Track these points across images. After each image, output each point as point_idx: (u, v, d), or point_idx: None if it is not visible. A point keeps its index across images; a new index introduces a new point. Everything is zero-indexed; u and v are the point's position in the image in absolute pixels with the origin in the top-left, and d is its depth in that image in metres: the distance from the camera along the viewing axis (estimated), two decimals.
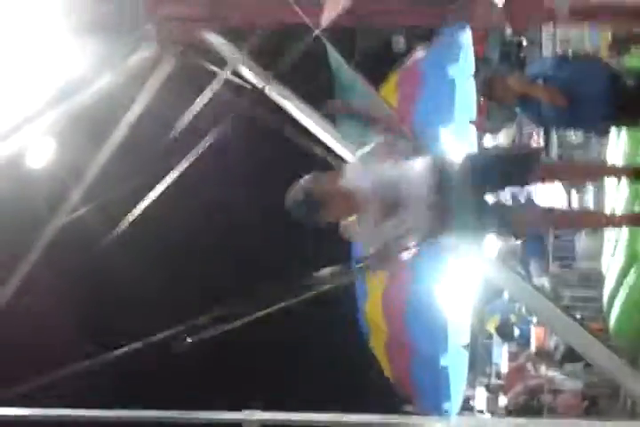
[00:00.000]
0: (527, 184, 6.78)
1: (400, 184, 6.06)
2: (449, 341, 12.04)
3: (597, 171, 7.53)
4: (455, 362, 12.40)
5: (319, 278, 7.22)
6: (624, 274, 9.92)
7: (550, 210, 6.81)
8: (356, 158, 6.46)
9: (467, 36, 9.46)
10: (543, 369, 15.05)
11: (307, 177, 6.05)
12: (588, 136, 14.75)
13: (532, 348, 15.79)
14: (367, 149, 6.35)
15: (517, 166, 6.37)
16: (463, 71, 9.49)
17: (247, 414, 7.75)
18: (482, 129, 10.08)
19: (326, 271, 6.74)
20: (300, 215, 5.97)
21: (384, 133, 6.52)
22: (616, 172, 7.66)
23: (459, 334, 12.57)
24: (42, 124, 7.03)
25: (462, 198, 6.12)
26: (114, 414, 8.42)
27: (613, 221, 7.74)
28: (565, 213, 7.53)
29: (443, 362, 12.62)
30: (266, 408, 7.89)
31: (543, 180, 6.97)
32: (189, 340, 7.61)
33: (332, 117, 6.67)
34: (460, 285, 11.82)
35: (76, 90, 6.93)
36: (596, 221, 7.64)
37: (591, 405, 13.60)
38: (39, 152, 7.36)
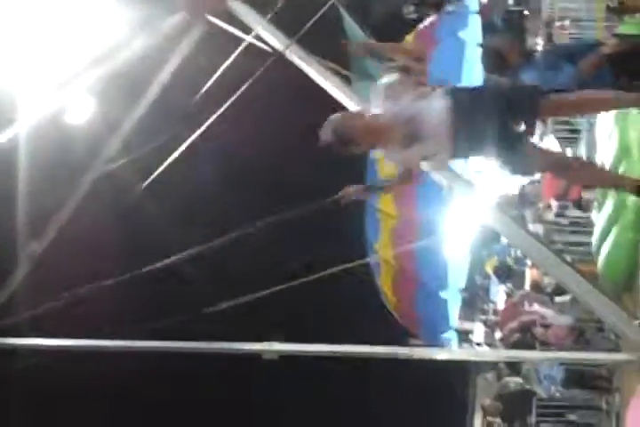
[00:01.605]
0: (532, 115, 6.61)
1: (420, 112, 6.27)
2: (449, 279, 12.21)
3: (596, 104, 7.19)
4: (452, 300, 12.58)
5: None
6: (612, 222, 10.01)
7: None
8: (375, 89, 6.53)
9: (474, 4, 9.47)
10: (536, 306, 15.18)
11: (334, 116, 6.28)
12: None
13: (527, 287, 15.92)
14: (385, 80, 6.48)
15: (523, 95, 6.48)
16: (472, 35, 9.51)
17: (266, 346, 7.83)
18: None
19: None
20: (334, 150, 6.25)
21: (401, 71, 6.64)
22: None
23: (457, 277, 12.74)
24: (83, 83, 7.08)
25: (479, 121, 6.29)
26: (136, 345, 8.45)
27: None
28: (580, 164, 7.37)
29: (443, 295, 12.86)
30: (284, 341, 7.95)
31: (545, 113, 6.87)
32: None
33: (348, 79, 6.72)
34: (460, 229, 11.92)
35: (114, 52, 6.97)
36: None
37: (579, 336, 13.73)
38: (80, 109, 7.42)
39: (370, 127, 6.27)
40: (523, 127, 6.44)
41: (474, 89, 6.78)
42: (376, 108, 6.45)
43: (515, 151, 6.46)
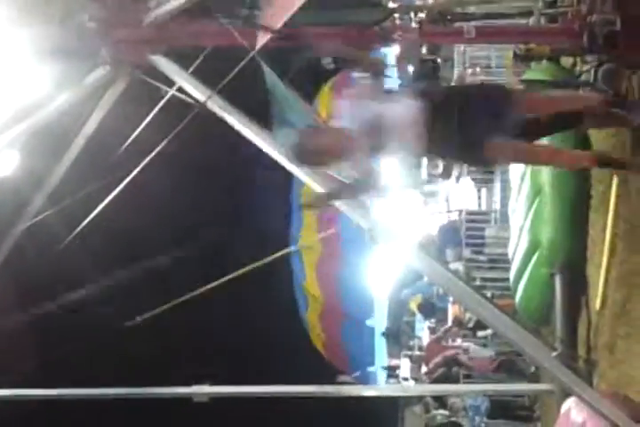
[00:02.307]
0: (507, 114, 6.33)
1: (387, 118, 6.08)
2: (375, 309, 12.19)
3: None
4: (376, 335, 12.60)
5: None
6: (527, 259, 10.09)
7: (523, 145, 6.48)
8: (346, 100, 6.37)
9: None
10: (459, 341, 15.21)
11: (300, 131, 6.23)
12: None
13: (450, 323, 15.96)
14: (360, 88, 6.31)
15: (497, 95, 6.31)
16: None
17: (196, 389, 7.64)
18: None
19: None
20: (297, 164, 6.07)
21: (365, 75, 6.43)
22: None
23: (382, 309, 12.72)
24: (7, 138, 6.95)
25: (448, 121, 6.11)
26: (68, 393, 8.13)
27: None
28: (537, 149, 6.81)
29: (369, 323, 12.84)
30: (213, 383, 7.77)
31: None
32: (139, 318, 7.55)
33: (269, 128, 6.67)
34: (384, 267, 11.94)
35: (39, 107, 6.85)
36: (564, 159, 7.05)
37: (500, 366, 13.77)
38: (5, 163, 7.26)
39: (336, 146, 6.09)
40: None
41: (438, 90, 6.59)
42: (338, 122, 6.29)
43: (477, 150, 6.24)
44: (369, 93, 6.24)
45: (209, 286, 8.14)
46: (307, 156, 6.10)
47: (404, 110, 6.13)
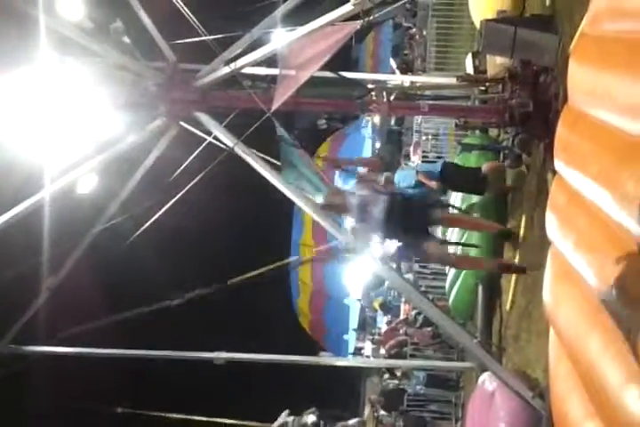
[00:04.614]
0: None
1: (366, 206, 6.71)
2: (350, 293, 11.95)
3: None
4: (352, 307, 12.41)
5: None
6: (459, 273, 9.98)
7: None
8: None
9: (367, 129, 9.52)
10: (407, 329, 15.06)
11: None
12: None
13: (402, 317, 15.86)
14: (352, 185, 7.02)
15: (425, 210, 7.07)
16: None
17: (216, 354, 7.52)
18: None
19: None
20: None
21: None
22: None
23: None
24: (90, 165, 6.87)
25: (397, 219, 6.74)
26: (109, 352, 7.92)
27: None
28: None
29: (346, 302, 12.65)
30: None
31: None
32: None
33: (278, 168, 6.62)
34: (356, 274, 11.78)
35: (113, 143, 6.80)
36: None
37: (435, 336, 13.59)
38: (88, 183, 7.16)
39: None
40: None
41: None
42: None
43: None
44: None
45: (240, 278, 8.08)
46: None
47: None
